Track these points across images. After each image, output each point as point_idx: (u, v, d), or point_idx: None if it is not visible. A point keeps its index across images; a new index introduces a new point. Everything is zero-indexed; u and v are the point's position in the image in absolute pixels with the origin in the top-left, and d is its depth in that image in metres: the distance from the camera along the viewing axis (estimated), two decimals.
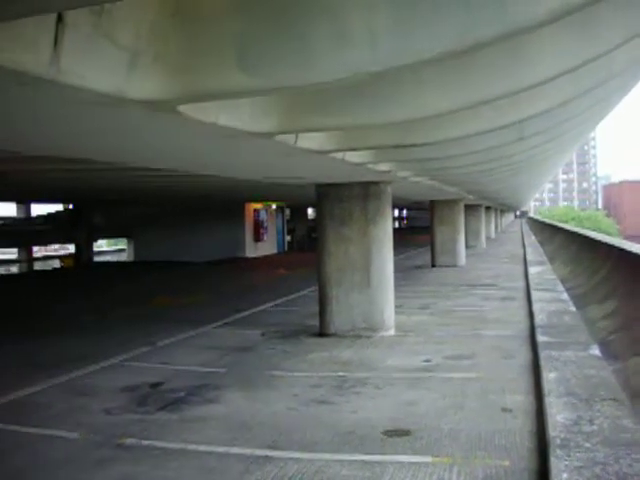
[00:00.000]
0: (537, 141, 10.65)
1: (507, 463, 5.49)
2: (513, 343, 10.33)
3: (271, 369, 9.17)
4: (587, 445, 5.25)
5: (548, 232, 42.79)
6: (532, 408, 6.95)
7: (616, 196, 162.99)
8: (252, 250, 33.12)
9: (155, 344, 11.05)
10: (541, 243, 37.70)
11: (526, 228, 65.96)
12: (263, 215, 34.38)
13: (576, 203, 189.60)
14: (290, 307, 15.48)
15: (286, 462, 5.73)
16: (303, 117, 5.79)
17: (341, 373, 8.79)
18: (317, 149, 7.13)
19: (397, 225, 70.55)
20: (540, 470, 5.25)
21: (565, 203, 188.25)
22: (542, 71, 5.36)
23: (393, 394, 7.80)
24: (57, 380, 8.73)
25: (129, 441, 6.37)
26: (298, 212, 43.24)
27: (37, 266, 33.38)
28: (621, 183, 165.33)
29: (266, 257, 33.29)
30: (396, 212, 68.58)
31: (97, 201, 30.35)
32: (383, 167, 10.02)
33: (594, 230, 56.37)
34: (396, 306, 12.12)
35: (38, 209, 33.47)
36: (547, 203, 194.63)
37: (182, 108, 4.38)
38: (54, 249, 41.13)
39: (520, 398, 7.37)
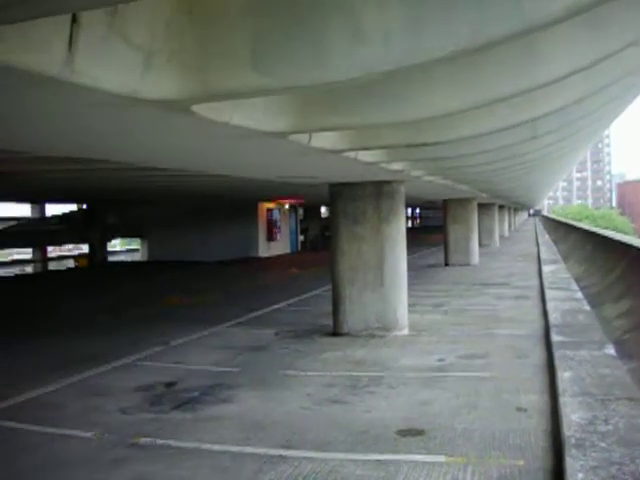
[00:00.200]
0: (550, 139, 10.61)
1: (522, 463, 5.47)
2: (527, 342, 10.29)
3: (284, 368, 9.18)
4: (602, 445, 5.22)
5: (562, 231, 42.62)
6: (547, 407, 6.92)
7: (631, 194, 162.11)
8: (265, 250, 33.15)
9: (168, 344, 11.08)
10: (555, 242, 37.54)
11: (540, 227, 65.70)
12: (276, 214, 34.40)
13: (590, 201, 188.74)
14: (303, 306, 15.48)
15: (300, 462, 5.73)
16: (316, 116, 5.79)
17: (355, 372, 8.78)
18: (330, 148, 7.13)
19: (410, 224, 70.41)
20: (555, 470, 5.23)
21: (579, 201, 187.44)
22: (555, 69, 5.33)
23: (407, 393, 7.79)
24: (71, 380, 8.77)
25: (143, 440, 6.39)
26: (311, 211, 43.19)
27: (51, 266, 33.51)
28: (636, 181, 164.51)
29: (279, 257, 33.31)
30: (409, 211, 68.45)
31: (111, 201, 30.46)
32: (396, 166, 10.01)
33: (610, 229, 56.14)
34: (409, 305, 12.10)
35: (52, 209, 33.63)
36: (561, 201, 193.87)
37: (196, 108, 4.39)
38: (68, 249, 41.28)
39: (534, 397, 7.34)
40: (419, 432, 6.37)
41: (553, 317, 11.38)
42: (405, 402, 7.44)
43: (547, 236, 46.03)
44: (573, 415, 5.99)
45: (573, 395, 6.65)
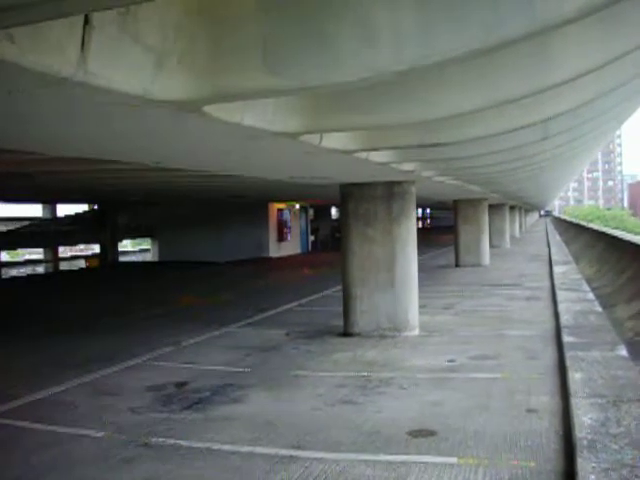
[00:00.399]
0: (561, 140, 10.58)
1: (533, 464, 5.46)
2: (538, 343, 10.26)
3: (295, 369, 9.18)
4: (615, 447, 5.20)
5: (573, 231, 42.51)
6: (558, 409, 6.90)
7: None
8: (276, 250, 33.19)
9: (179, 344, 11.10)
10: (566, 242, 37.45)
11: (551, 227, 65.53)
12: (287, 215, 34.44)
13: (601, 202, 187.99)
14: (314, 307, 15.49)
15: (311, 462, 5.73)
16: (327, 117, 5.79)
17: (365, 373, 8.78)
18: (341, 149, 7.13)
19: (420, 225, 70.33)
20: (567, 472, 5.20)
21: (590, 202, 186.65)
22: (567, 70, 5.32)
23: (418, 394, 7.78)
24: (83, 379, 8.80)
25: (155, 440, 6.41)
26: (322, 212, 43.21)
27: (62, 266, 33.64)
28: None
29: (290, 257, 33.34)
30: (419, 212, 68.37)
31: (122, 202, 30.56)
32: (407, 167, 10.00)
33: (621, 229, 55.91)
34: (420, 306, 12.09)
35: (64, 209, 33.75)
36: (572, 202, 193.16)
37: (207, 108, 4.40)
38: (79, 249, 41.42)
39: (546, 399, 7.32)
40: (430, 433, 6.36)
41: (564, 318, 11.35)
42: (416, 403, 7.43)
43: (558, 237, 45.91)
44: (585, 417, 5.97)
45: (585, 396, 6.63)
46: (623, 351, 8.62)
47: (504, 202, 34.42)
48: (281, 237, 33.88)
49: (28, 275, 30.17)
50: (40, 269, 33.43)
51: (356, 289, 11.66)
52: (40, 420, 7.13)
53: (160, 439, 6.43)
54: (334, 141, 6.87)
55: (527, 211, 70.71)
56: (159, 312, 15.09)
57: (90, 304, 17.24)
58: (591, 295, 14.38)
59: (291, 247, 35.36)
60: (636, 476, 4.60)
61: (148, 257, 38.48)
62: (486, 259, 25.43)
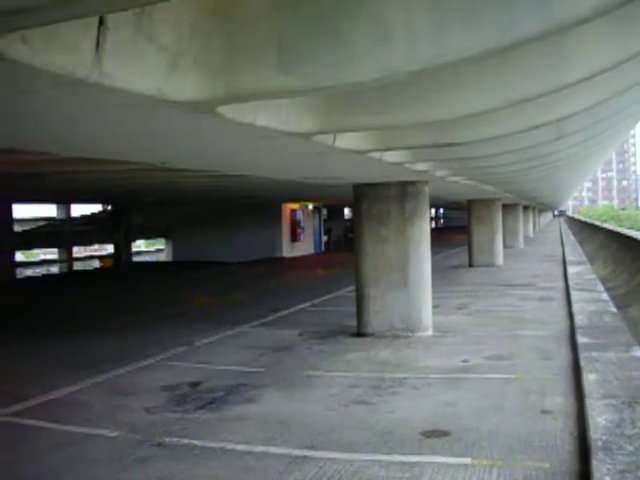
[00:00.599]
0: (576, 140, 10.53)
1: (547, 465, 5.43)
2: (552, 344, 10.22)
3: (309, 369, 9.18)
4: (630, 448, 5.17)
5: (587, 231, 42.34)
6: (573, 410, 6.87)
7: None
8: (289, 250, 33.22)
9: (193, 344, 11.13)
10: (580, 243, 37.30)
11: (564, 227, 65.28)
12: (300, 215, 34.45)
13: (615, 202, 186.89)
14: (327, 307, 15.49)
15: (325, 462, 5.73)
16: (341, 117, 5.79)
17: (379, 373, 8.77)
18: (355, 149, 7.12)
19: (434, 225, 70.18)
20: (582, 473, 5.18)
21: (604, 202, 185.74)
22: (582, 69, 5.29)
23: (431, 395, 7.76)
24: (97, 379, 8.84)
25: (169, 440, 6.43)
26: (335, 212, 43.21)
27: (77, 266, 33.78)
28: None
29: (303, 257, 33.35)
30: (433, 212, 68.24)
31: (136, 202, 30.66)
32: (420, 167, 9.98)
33: (635, 229, 55.61)
34: (433, 306, 12.07)
35: (78, 210, 33.89)
36: (586, 202, 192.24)
37: (221, 109, 4.40)
38: (93, 249, 41.57)
39: (560, 400, 7.29)
40: (444, 433, 6.35)
41: (579, 318, 11.30)
42: (430, 403, 7.42)
43: (572, 237, 45.74)
44: (599, 418, 5.94)
45: (599, 397, 6.60)
46: (638, 352, 8.58)
47: (518, 202, 34.32)
48: (294, 237, 33.90)
49: (43, 275, 30.33)
50: (55, 269, 33.58)
51: (369, 289, 11.65)
52: (55, 420, 7.17)
53: (174, 439, 6.45)
54: (347, 141, 6.87)
55: (541, 211, 70.44)
56: (172, 312, 15.13)
57: (104, 304, 17.30)
58: (605, 295, 14.31)
59: (304, 247, 35.36)
60: None
61: (162, 257, 38.60)
62: (500, 259, 25.35)
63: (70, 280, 27.19)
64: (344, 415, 7.11)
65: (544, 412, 6.89)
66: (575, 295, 14.38)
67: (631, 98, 8.49)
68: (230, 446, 6.22)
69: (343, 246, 39.32)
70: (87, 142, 6.29)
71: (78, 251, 37.14)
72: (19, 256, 31.72)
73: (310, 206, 36.44)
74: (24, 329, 13.38)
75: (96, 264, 34.99)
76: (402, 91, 5.44)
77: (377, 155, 8.00)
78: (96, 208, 33.55)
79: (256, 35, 3.84)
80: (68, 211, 31.60)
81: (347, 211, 45.21)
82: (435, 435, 6.32)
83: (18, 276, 27.73)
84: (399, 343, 10.83)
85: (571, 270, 20.19)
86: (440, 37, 3.79)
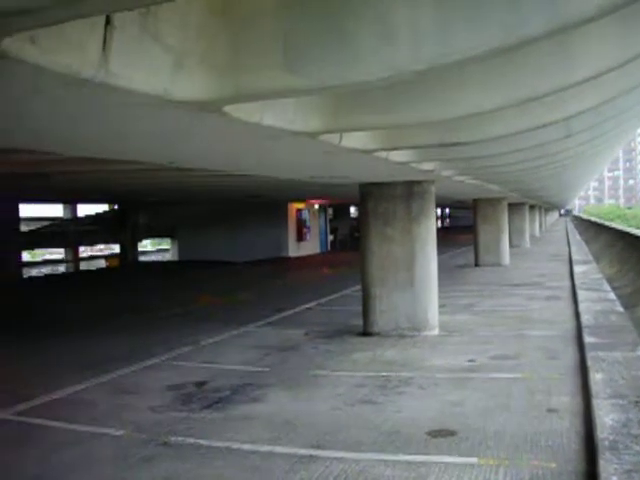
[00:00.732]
0: (584, 138, 10.50)
1: (554, 465, 5.42)
2: (559, 343, 10.20)
3: (315, 368, 9.18)
4: (637, 448, 5.15)
5: (593, 231, 42.25)
6: (579, 409, 6.85)
7: None
8: (295, 250, 33.22)
9: (199, 343, 11.14)
10: (586, 242, 37.22)
11: (571, 226, 65.14)
12: (306, 215, 34.46)
13: (622, 201, 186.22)
14: (333, 306, 15.49)
15: (331, 462, 5.73)
16: (347, 116, 5.78)
17: (385, 373, 8.76)
18: (361, 148, 7.11)
19: (440, 224, 70.10)
20: (588, 473, 5.17)
21: (611, 201, 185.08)
22: (588, 68, 5.27)
23: (437, 394, 7.75)
24: (103, 378, 8.85)
25: (174, 439, 6.43)
26: (341, 211, 43.20)
27: (82, 266, 33.85)
28: None
29: (309, 256, 33.35)
30: (439, 211, 68.15)
31: (141, 202, 30.71)
32: (426, 166, 9.97)
33: None
34: (440, 306, 12.05)
35: (84, 210, 33.98)
36: (592, 201, 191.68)
37: (227, 108, 4.40)
38: (99, 249, 41.65)
39: (566, 399, 7.27)
40: (450, 433, 6.34)
41: (585, 318, 11.27)
42: (436, 403, 7.41)
43: (578, 236, 45.65)
44: (606, 417, 5.93)
45: (606, 397, 6.58)
46: None
47: (524, 201, 34.25)
48: (300, 237, 33.90)
49: (49, 275, 30.38)
50: (61, 269, 33.65)
51: (375, 289, 11.64)
52: (61, 419, 7.18)
53: (180, 438, 6.45)
54: (354, 140, 6.86)
55: (547, 210, 70.33)
56: (178, 311, 15.14)
57: (110, 303, 17.33)
58: (612, 295, 14.27)
59: (310, 247, 35.37)
60: None
61: (167, 257, 38.64)
62: (506, 259, 25.31)
63: (76, 280, 27.25)
64: (350, 415, 7.11)
65: (550, 411, 6.88)
66: (581, 294, 14.35)
67: (637, 97, 8.47)
68: (236, 445, 6.22)
69: (349, 245, 39.31)
70: (92, 142, 6.29)
71: (84, 251, 37.19)
72: (25, 256, 31.75)
73: (316, 205, 36.43)
74: (29, 328, 13.41)
75: (102, 264, 35.05)
76: (408, 90, 5.43)
77: (383, 154, 7.99)
78: (102, 208, 33.63)
79: (262, 34, 3.84)
80: (74, 211, 31.68)
81: (353, 210, 45.21)
82: (441, 435, 6.32)
83: (24, 276, 27.78)
84: (405, 342, 10.82)
85: (577, 269, 20.15)
86: (445, 36, 3.78)
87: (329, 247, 39.46)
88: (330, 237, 40.47)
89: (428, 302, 11.60)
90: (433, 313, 11.67)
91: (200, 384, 8.50)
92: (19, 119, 4.74)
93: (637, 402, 6.34)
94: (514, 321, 12.37)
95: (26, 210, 28.02)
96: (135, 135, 5.91)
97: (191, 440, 6.38)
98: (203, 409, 7.43)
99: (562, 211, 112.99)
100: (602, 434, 5.51)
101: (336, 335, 11.61)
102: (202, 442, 6.33)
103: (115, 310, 15.88)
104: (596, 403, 6.41)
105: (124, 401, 7.86)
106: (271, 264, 29.14)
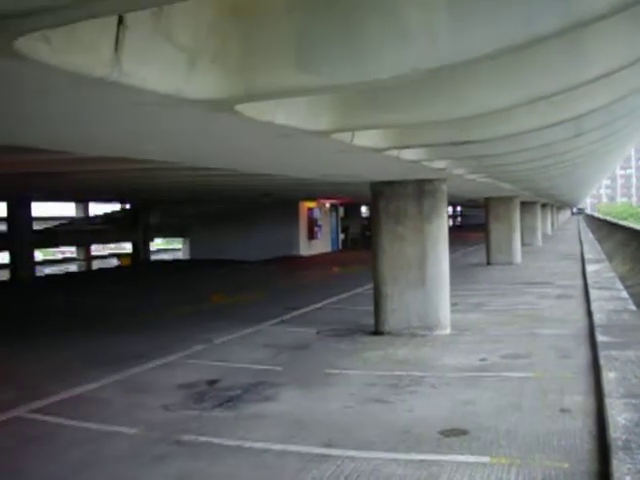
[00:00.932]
0: (595, 137, 10.46)
1: (566, 465, 5.40)
2: (571, 342, 10.17)
3: (326, 367, 9.18)
4: None
5: (606, 229, 42.08)
6: (592, 409, 6.83)
7: None
8: (306, 248, 33.22)
9: (211, 341, 11.16)
10: (599, 240, 37.08)
11: (583, 225, 64.91)
12: (317, 213, 34.44)
13: (634, 199, 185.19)
14: (345, 305, 15.49)
15: (342, 460, 5.73)
16: (359, 115, 5.78)
17: (396, 372, 8.75)
18: (372, 147, 7.11)
19: (451, 223, 69.95)
20: (601, 473, 5.15)
21: (623, 199, 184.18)
22: (599, 66, 5.25)
23: (449, 393, 7.75)
24: (116, 377, 8.87)
25: (187, 437, 6.45)
26: (352, 210, 43.19)
27: (95, 264, 34.00)
28: None
29: (320, 255, 33.35)
30: (450, 209, 68.01)
31: (153, 201, 30.80)
32: (438, 165, 9.95)
33: None
34: (451, 304, 12.03)
35: (96, 209, 34.14)
36: (604, 199, 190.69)
37: (239, 107, 4.40)
38: (111, 248, 41.82)
39: (579, 398, 7.25)
40: (462, 432, 6.33)
41: (598, 317, 11.23)
42: (448, 402, 7.40)
43: (590, 235, 45.47)
44: (619, 417, 5.91)
45: (619, 396, 6.56)
46: None
47: (536, 200, 34.14)
48: (311, 235, 33.90)
49: (63, 274, 30.52)
50: (73, 267, 33.81)
51: (387, 287, 11.63)
52: (74, 417, 7.21)
53: (192, 437, 6.47)
54: (365, 139, 6.86)
55: (559, 209, 70.08)
56: (191, 310, 15.17)
57: (122, 302, 17.39)
58: (625, 293, 14.22)
59: (321, 245, 35.36)
60: None
61: (179, 255, 38.73)
62: (518, 257, 25.24)
63: (89, 278, 27.35)
64: (362, 413, 7.11)
65: (563, 411, 6.86)
66: (594, 293, 14.30)
67: None
68: (248, 444, 6.23)
69: (360, 244, 39.28)
70: (105, 141, 6.32)
71: (96, 249, 37.32)
72: (38, 255, 31.90)
73: (327, 204, 36.43)
74: (44, 326, 13.47)
75: (115, 262, 35.18)
76: (419, 89, 5.42)
77: (395, 153, 7.98)
78: (114, 207, 33.77)
79: (274, 33, 3.84)
80: (86, 210, 31.84)
81: (364, 209, 45.18)
82: (453, 434, 6.31)
83: (37, 274, 27.91)
84: (417, 341, 10.81)
85: (590, 268, 20.07)
86: (458, 34, 3.78)
87: (340, 246, 39.45)
88: (341, 236, 40.46)
89: (440, 301, 11.58)
90: (445, 312, 11.65)
91: (212, 382, 8.51)
92: (32, 118, 4.77)
93: None
94: (526, 320, 12.34)
95: (39, 209, 28.13)
96: (148, 134, 5.93)
97: (203, 439, 6.40)
98: (215, 407, 7.45)
99: (574, 210, 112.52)
100: (615, 434, 5.49)
101: (348, 334, 11.61)
102: (214, 440, 6.34)
103: (128, 309, 15.93)
104: (609, 402, 6.39)
105: (138, 399, 7.88)
106: (282, 263, 29.16)
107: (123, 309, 15.91)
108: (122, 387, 8.47)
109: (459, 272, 20.30)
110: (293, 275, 23.73)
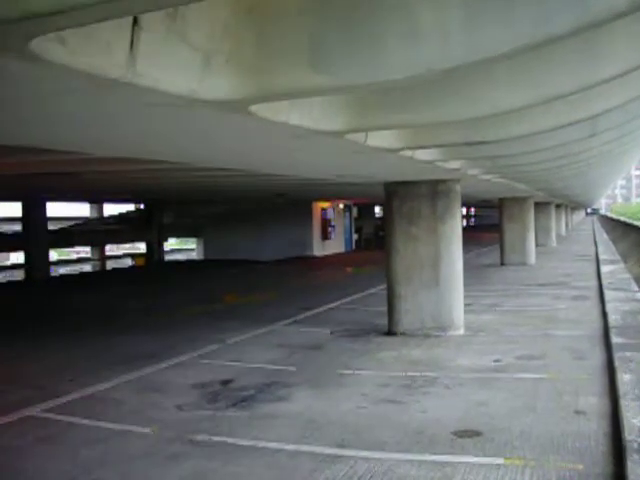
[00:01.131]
0: (610, 137, 10.40)
1: (581, 467, 5.38)
2: (585, 343, 10.12)
3: (340, 367, 9.18)
4: None
5: (621, 230, 41.86)
6: (607, 410, 6.79)
7: None
8: (320, 249, 33.22)
9: (225, 341, 11.18)
10: (613, 241, 36.88)
11: (597, 226, 64.61)
12: (330, 214, 34.44)
13: None
14: (358, 305, 15.48)
15: (356, 461, 5.73)
16: (373, 115, 5.77)
17: (410, 372, 8.74)
18: (387, 147, 7.10)
19: (465, 223, 69.76)
20: (616, 475, 5.12)
21: (638, 200, 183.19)
22: (615, 65, 5.22)
23: (463, 394, 7.72)
24: (130, 377, 8.90)
25: (200, 437, 6.46)
26: (366, 210, 43.16)
27: (109, 264, 34.14)
28: None
29: (334, 255, 33.34)
30: (464, 210, 67.84)
31: (168, 201, 30.88)
32: (452, 165, 9.93)
33: None
34: (465, 305, 12.00)
35: (110, 209, 34.28)
36: (619, 200, 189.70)
37: (254, 108, 4.41)
38: (125, 248, 41.99)
39: (594, 400, 7.21)
40: (476, 433, 6.31)
41: (612, 318, 11.17)
42: (461, 403, 7.38)
43: (605, 235, 45.24)
44: (634, 419, 5.87)
45: (634, 398, 6.52)
46: None
47: (550, 200, 34.00)
48: (325, 236, 33.90)
49: (78, 274, 30.67)
50: (88, 267, 33.96)
51: (400, 288, 11.62)
52: (88, 416, 7.24)
53: (206, 436, 6.48)
54: (379, 139, 6.85)
55: (573, 209, 69.78)
56: (204, 309, 15.21)
57: (137, 302, 17.44)
58: None
59: (335, 246, 35.35)
60: None
61: (193, 255, 38.83)
62: (532, 258, 25.15)
63: (103, 278, 27.46)
64: (375, 414, 7.10)
65: (577, 412, 6.82)
66: (609, 294, 14.22)
67: None
68: (262, 444, 6.23)
69: (374, 244, 39.26)
70: (120, 142, 6.34)
71: (110, 249, 37.49)
72: (52, 255, 32.07)
73: (341, 205, 36.42)
74: (59, 326, 13.53)
75: (129, 262, 35.31)
76: (433, 89, 5.41)
77: (409, 153, 7.97)
78: (128, 207, 33.90)
79: (289, 34, 3.84)
80: (101, 210, 31.98)
81: (378, 209, 45.14)
82: (467, 435, 6.29)
83: (52, 274, 28.04)
84: (430, 342, 10.79)
85: (604, 269, 19.96)
86: (473, 34, 3.77)
87: (354, 246, 39.43)
88: (355, 236, 40.44)
89: (453, 301, 11.56)
90: (458, 312, 11.63)
91: (226, 382, 8.53)
92: (47, 119, 4.79)
93: None
94: (540, 321, 12.29)
95: (54, 209, 28.28)
96: (162, 135, 5.94)
97: (217, 438, 6.41)
98: (229, 407, 7.46)
99: (588, 210, 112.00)
100: (630, 436, 5.46)
101: (361, 334, 11.60)
102: (228, 440, 6.35)
103: (142, 308, 15.99)
104: (624, 404, 6.36)
105: (151, 399, 7.90)
106: (296, 263, 29.17)
107: (136, 309, 15.97)
108: (135, 387, 8.50)
109: (473, 272, 20.26)
110: (306, 275, 23.73)
